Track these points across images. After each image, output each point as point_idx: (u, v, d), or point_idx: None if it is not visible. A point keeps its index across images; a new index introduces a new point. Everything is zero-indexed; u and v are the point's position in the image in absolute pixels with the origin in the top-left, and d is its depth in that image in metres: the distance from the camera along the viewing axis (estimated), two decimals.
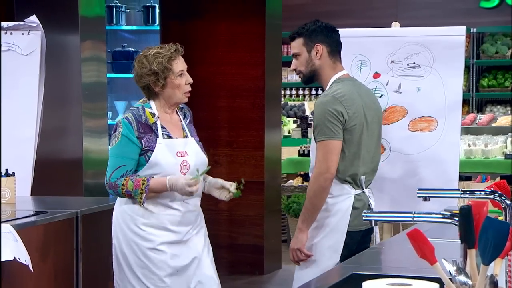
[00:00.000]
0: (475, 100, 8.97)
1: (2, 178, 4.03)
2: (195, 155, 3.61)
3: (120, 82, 7.54)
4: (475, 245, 1.88)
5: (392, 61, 4.51)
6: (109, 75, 6.65)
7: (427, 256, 1.88)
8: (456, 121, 4.45)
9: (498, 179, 6.00)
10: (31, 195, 4.40)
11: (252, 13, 6.92)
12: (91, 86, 5.57)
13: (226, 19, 6.98)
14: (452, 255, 1.98)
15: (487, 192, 2.66)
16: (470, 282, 1.85)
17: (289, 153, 8.18)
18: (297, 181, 8.31)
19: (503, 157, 7.05)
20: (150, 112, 3.54)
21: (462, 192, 2.82)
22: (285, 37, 8.50)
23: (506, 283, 2.07)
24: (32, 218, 3.65)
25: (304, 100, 9.88)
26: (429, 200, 3.03)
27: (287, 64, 9.43)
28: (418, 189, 3.01)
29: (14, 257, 3.11)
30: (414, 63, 4.50)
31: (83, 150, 5.48)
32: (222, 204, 7.06)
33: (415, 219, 2.47)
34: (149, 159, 3.47)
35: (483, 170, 6.99)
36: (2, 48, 4.49)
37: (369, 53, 4.53)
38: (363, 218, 2.49)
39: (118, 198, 3.57)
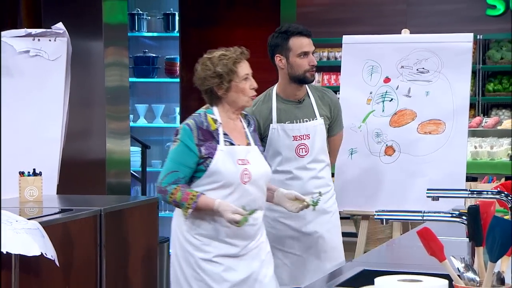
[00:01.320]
0: (481, 104, 8.92)
1: (30, 177, 4.04)
2: (258, 164, 3.30)
3: (141, 86, 7.56)
4: (483, 243, 1.87)
5: (402, 66, 4.50)
6: (131, 79, 6.66)
7: (436, 254, 1.88)
8: (463, 124, 4.44)
9: (503, 180, 5.96)
10: (57, 194, 4.42)
11: (266, 20, 6.92)
12: (114, 90, 5.59)
13: (242, 26, 6.98)
14: (460, 253, 1.97)
15: (494, 192, 2.65)
16: (477, 279, 1.84)
17: None
18: None
19: (508, 159, 7.01)
20: (213, 118, 3.28)
21: (470, 192, 2.81)
22: None
23: None
24: (58, 216, 3.66)
25: None
26: (438, 199, 3.02)
27: None
28: (428, 189, 3.01)
29: (41, 253, 3.13)
30: (423, 68, 4.48)
31: (106, 150, 5.49)
32: None
33: (424, 218, 2.47)
34: (207, 167, 3.21)
35: (489, 171, 6.95)
36: (31, 54, 4.51)
37: (380, 59, 4.53)
38: (375, 217, 2.48)
39: (175, 212, 3.34)
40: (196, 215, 3.23)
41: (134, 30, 7.39)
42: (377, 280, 1.81)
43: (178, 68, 7.35)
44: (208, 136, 3.24)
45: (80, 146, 5.43)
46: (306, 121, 3.70)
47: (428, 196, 3.01)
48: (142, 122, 7.47)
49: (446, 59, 4.41)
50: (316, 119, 3.72)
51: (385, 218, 2.45)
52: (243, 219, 3.14)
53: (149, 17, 7.48)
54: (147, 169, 7.25)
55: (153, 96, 7.60)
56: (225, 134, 3.27)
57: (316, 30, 9.46)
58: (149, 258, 4.23)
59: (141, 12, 7.48)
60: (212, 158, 3.21)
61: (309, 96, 3.75)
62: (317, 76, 9.61)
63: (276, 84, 3.82)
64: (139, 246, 4.14)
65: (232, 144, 3.27)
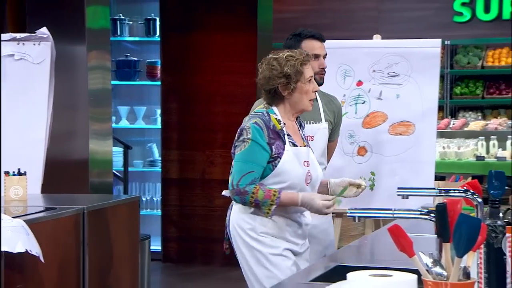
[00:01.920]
0: (449, 107, 8.98)
1: (15, 177, 4.01)
2: (316, 166, 3.25)
3: (124, 88, 7.53)
4: (450, 239, 1.88)
5: (374, 70, 4.52)
6: (113, 82, 6.64)
7: (406, 250, 1.88)
8: (432, 126, 4.47)
9: (469, 179, 6.01)
10: (41, 193, 4.38)
11: (244, 25, 6.92)
12: (97, 93, 5.56)
13: (220, 31, 6.98)
14: (429, 249, 1.98)
15: (461, 191, 2.67)
16: (445, 273, 1.85)
17: None
18: None
19: (475, 159, 7.07)
20: (276, 118, 3.17)
21: (438, 190, 2.83)
22: (276, 48, 8.51)
23: (477, 274, 2.07)
24: (42, 214, 3.63)
25: None
26: (408, 198, 3.03)
27: None
28: (398, 188, 3.02)
29: (26, 250, 3.10)
30: (394, 72, 4.50)
31: (89, 151, 5.47)
32: (217, 201, 7.06)
33: (395, 215, 2.48)
34: (275, 167, 3.13)
35: (457, 171, 7.00)
36: (15, 57, 4.48)
37: (352, 63, 4.54)
38: (347, 215, 2.50)
39: (234, 210, 3.23)
40: (260, 214, 3.16)
41: (116, 35, 7.36)
42: (349, 275, 1.82)
43: (159, 72, 7.33)
44: (276, 135, 3.15)
45: (64, 146, 5.40)
46: (312, 123, 3.67)
47: (398, 195, 3.03)
48: (124, 123, 7.44)
49: (416, 63, 4.44)
50: (321, 122, 3.70)
51: (358, 216, 2.47)
52: (337, 201, 3.13)
53: (131, 22, 7.46)
54: (129, 169, 7.23)
55: (135, 98, 7.58)
56: (288, 135, 3.19)
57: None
58: (131, 256, 4.22)
59: (123, 17, 7.46)
60: (280, 158, 3.13)
61: (317, 100, 3.71)
62: None
63: None
64: (121, 244, 4.12)
65: (295, 145, 3.20)
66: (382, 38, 4.72)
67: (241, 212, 3.19)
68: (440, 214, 1.91)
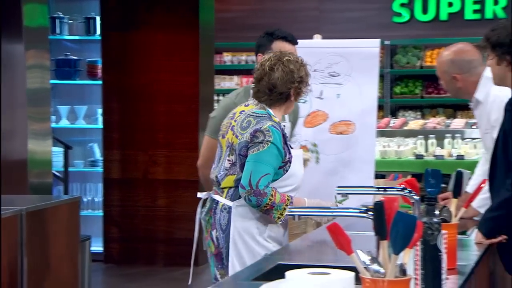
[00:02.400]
0: (389, 106, 9.11)
1: None
2: (303, 168, 3.31)
3: (64, 88, 7.41)
4: (387, 237, 1.91)
5: (315, 70, 4.54)
6: (53, 81, 6.53)
7: (344, 247, 1.90)
8: (372, 125, 4.52)
9: (409, 177, 6.11)
10: None
11: (186, 25, 6.89)
12: (35, 92, 5.47)
13: (162, 30, 6.94)
14: (368, 247, 2.01)
15: (399, 189, 2.71)
16: (382, 270, 1.88)
17: None
18: None
19: (414, 157, 7.18)
20: (277, 122, 3.18)
21: (376, 189, 2.86)
22: (218, 47, 8.50)
23: (414, 270, 2.10)
24: None
25: None
26: (347, 196, 3.07)
27: (220, 72, 9.46)
28: (337, 187, 3.05)
29: None
30: (334, 72, 4.54)
31: (28, 151, 5.37)
32: (160, 201, 7.02)
33: (334, 214, 2.50)
34: (286, 171, 3.15)
35: (397, 169, 7.09)
36: None
37: None
38: (287, 214, 2.51)
39: (235, 213, 3.16)
40: (267, 219, 3.16)
41: (55, 33, 7.24)
42: (288, 273, 1.83)
43: (99, 71, 7.25)
44: (284, 139, 3.16)
45: (2, 147, 5.29)
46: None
47: (338, 193, 3.06)
48: (64, 123, 7.33)
49: (356, 63, 4.48)
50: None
51: (297, 215, 2.48)
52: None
53: (71, 21, 7.34)
54: (69, 169, 7.12)
55: (75, 97, 7.47)
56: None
57: (235, 35, 9.52)
58: (71, 257, 4.16)
59: (63, 15, 7.34)
60: (290, 162, 3.15)
61: None
62: (236, 79, 9.63)
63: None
64: (61, 245, 4.06)
65: (291, 147, 3.24)
66: (324, 38, 4.76)
67: (247, 217, 3.16)
68: (378, 212, 1.93)
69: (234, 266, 3.18)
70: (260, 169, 3.06)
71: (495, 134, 3.48)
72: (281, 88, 3.15)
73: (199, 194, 3.35)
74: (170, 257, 6.91)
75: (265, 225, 3.18)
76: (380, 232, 1.92)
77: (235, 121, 3.18)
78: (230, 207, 3.18)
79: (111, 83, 7.08)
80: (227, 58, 9.62)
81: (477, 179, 3.64)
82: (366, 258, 1.90)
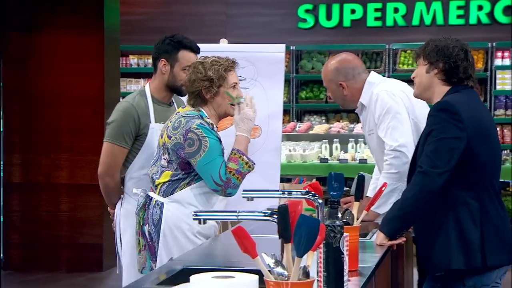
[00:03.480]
0: (295, 110, 9.24)
1: None
2: None
3: None
4: (291, 240, 1.94)
5: None
6: None
7: (249, 251, 1.92)
8: (278, 129, 4.57)
9: (314, 180, 6.22)
10: None
11: (91, 26, 6.79)
12: None
13: (66, 32, 6.81)
14: (273, 250, 2.03)
15: (303, 192, 2.76)
16: (286, 273, 1.91)
17: None
18: None
19: (319, 161, 7.32)
20: (208, 122, 3.31)
21: (281, 192, 2.91)
22: (124, 50, 8.40)
23: (317, 272, 2.15)
24: None
25: None
26: (253, 200, 3.10)
27: (125, 75, 9.34)
28: (243, 190, 3.07)
29: None
30: (241, 76, 4.55)
31: None
32: (63, 206, 6.88)
33: (239, 217, 2.52)
34: None
35: (302, 173, 7.20)
36: None
37: None
38: (193, 218, 2.51)
39: (167, 209, 3.27)
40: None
41: None
42: (193, 277, 1.83)
43: (0, 73, 7.04)
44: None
45: None
46: None
47: (243, 197, 3.08)
48: None
49: (261, 68, 4.52)
50: None
51: (202, 219, 2.49)
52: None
53: None
54: None
55: None
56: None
57: (140, 38, 9.43)
58: None
59: None
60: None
61: (173, 101, 3.73)
62: (143, 82, 9.54)
63: (148, 84, 3.72)
64: None
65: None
66: (231, 43, 4.78)
67: (178, 213, 3.28)
68: (282, 215, 1.97)
69: (162, 260, 3.26)
70: (214, 166, 3.23)
71: (380, 133, 3.60)
72: (190, 88, 3.31)
73: (134, 190, 3.46)
74: (74, 263, 6.79)
75: (196, 221, 3.22)
76: (284, 235, 1.95)
77: (170, 121, 3.33)
78: (162, 203, 3.30)
79: (12, 86, 6.90)
80: (133, 61, 9.53)
81: (375, 183, 3.75)
82: (270, 261, 1.93)
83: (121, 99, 9.29)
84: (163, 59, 3.63)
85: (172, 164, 3.29)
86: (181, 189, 3.29)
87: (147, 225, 3.33)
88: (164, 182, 3.31)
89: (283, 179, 7.09)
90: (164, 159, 3.31)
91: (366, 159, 7.04)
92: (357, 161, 7.19)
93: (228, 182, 3.25)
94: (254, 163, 3.35)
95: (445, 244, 2.85)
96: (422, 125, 3.61)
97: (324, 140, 7.55)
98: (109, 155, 3.59)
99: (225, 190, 3.26)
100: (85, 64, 6.82)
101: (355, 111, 3.87)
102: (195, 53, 3.70)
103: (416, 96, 3.14)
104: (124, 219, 3.62)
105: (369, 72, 3.79)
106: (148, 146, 3.59)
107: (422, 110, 3.60)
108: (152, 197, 3.34)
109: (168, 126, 3.31)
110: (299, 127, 7.97)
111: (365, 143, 7.33)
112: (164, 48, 3.65)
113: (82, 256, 6.76)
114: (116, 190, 3.65)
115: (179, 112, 3.35)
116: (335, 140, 7.49)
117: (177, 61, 3.62)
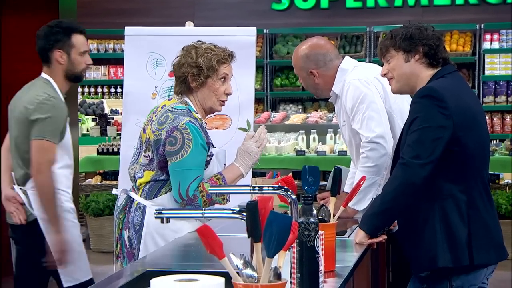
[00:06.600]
0: (270, 99, 9.22)
1: None
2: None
3: None
4: (261, 239, 1.92)
5: None
6: None
7: (215, 251, 1.91)
8: (248, 118, 4.55)
9: (290, 174, 6.22)
10: None
11: (45, 8, 6.71)
12: None
13: (16, 14, 6.72)
14: (242, 250, 2.02)
15: (275, 188, 2.75)
16: (256, 275, 1.90)
17: (87, 151, 8.02)
18: (95, 180, 8.16)
19: (295, 154, 7.31)
20: (198, 117, 3.25)
21: (251, 188, 2.89)
22: None
23: (290, 274, 2.14)
24: None
25: (103, 98, 9.71)
26: (250, 127, 3.15)
27: None
28: (211, 186, 3.06)
29: None
30: None
31: None
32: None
33: (205, 215, 2.51)
34: (206, 167, 3.22)
35: (277, 166, 7.21)
36: None
37: (164, 52, 4.54)
38: (155, 216, 2.49)
39: (150, 213, 3.19)
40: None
41: None
42: (153, 281, 1.82)
43: None
44: (205, 134, 3.23)
45: None
46: None
47: (210, 193, 3.07)
48: None
49: None
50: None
51: (165, 217, 2.47)
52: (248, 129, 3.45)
53: None
54: None
55: None
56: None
57: (100, 21, 9.35)
58: None
59: None
60: (211, 156, 3.23)
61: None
62: (103, 69, 9.47)
63: (50, 79, 3.70)
64: None
65: (213, 146, 3.27)
66: (199, 26, 4.77)
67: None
68: (251, 212, 1.95)
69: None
70: (187, 176, 3.14)
71: (354, 125, 3.59)
72: (177, 72, 3.25)
73: (114, 191, 3.41)
74: None
75: (180, 227, 3.24)
76: (254, 234, 1.94)
77: (156, 115, 3.25)
78: (145, 207, 3.24)
79: None
80: (92, 46, 9.45)
81: (353, 177, 3.74)
82: (239, 262, 1.92)
83: (79, 89, 9.22)
84: (58, 50, 3.63)
85: (153, 163, 3.22)
86: (166, 192, 3.24)
87: (127, 230, 3.26)
88: (147, 183, 3.24)
89: (256, 173, 7.10)
90: (145, 156, 3.24)
91: (345, 151, 7.04)
92: (336, 153, 7.20)
93: (193, 200, 3.16)
94: (229, 200, 3.27)
95: (430, 241, 2.86)
96: (397, 117, 3.62)
97: (300, 131, 7.55)
98: (43, 153, 3.58)
99: (185, 206, 3.18)
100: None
101: (329, 100, 3.85)
102: (84, 35, 3.70)
103: (396, 91, 3.08)
104: None
105: (343, 57, 3.76)
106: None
107: (397, 100, 3.59)
108: (133, 199, 3.27)
109: (153, 121, 3.23)
110: (273, 117, 7.97)
111: None
112: (54, 38, 3.65)
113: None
114: None
115: (165, 105, 3.27)
116: (312, 131, 7.49)
117: (73, 47, 3.62)
